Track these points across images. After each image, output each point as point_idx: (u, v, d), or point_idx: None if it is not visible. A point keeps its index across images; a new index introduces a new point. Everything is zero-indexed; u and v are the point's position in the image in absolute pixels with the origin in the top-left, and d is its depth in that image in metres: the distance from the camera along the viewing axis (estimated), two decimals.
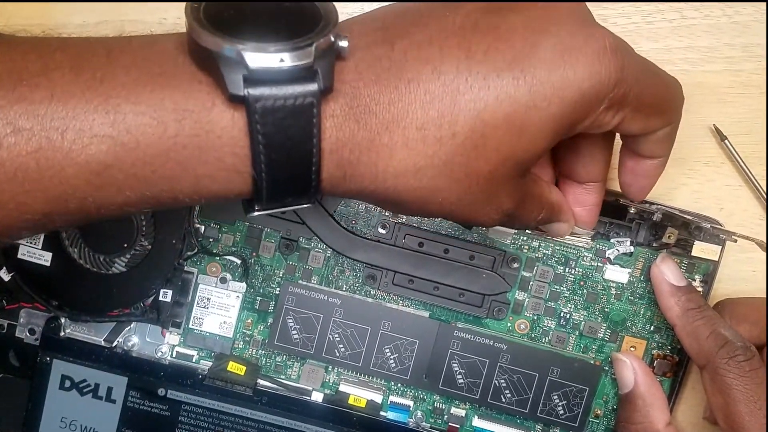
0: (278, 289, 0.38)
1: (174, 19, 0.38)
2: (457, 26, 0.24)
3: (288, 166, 0.23)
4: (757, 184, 0.37)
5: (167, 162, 0.22)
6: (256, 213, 0.24)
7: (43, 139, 0.21)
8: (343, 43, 0.23)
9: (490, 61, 0.24)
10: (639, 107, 0.26)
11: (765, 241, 0.33)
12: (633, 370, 0.36)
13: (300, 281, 0.38)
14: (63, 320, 0.38)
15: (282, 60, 0.22)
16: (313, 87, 0.22)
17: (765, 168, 0.38)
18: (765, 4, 0.37)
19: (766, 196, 0.37)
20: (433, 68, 0.24)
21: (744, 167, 0.37)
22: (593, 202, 0.32)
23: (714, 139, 0.38)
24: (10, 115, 0.21)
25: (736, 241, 0.34)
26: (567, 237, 0.37)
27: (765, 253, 0.37)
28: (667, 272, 0.35)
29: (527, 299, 0.38)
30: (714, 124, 0.38)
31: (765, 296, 0.36)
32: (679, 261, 0.37)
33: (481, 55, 0.24)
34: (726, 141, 0.37)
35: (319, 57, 0.22)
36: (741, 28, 0.37)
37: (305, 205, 0.25)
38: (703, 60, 0.38)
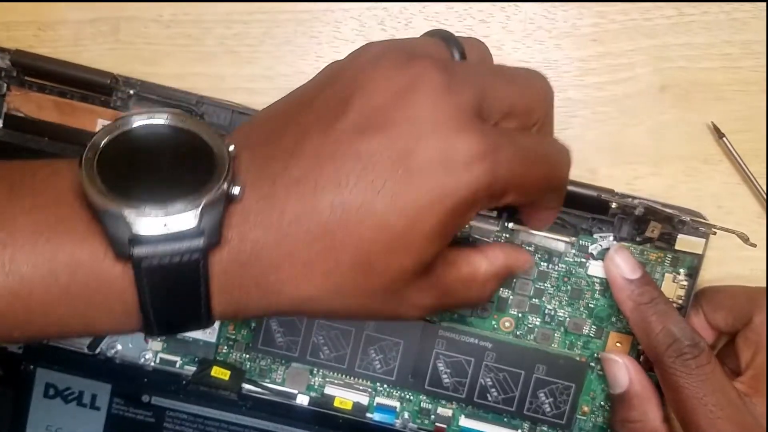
0: None
1: (169, 15, 0.38)
2: (328, 155, 0.24)
3: (177, 311, 0.24)
4: (755, 182, 0.37)
5: (58, 308, 0.23)
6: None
7: None
8: (235, 191, 0.24)
9: (361, 191, 0.24)
10: (523, 192, 0.26)
11: (746, 234, 0.33)
12: (627, 369, 0.36)
13: None
14: None
15: (165, 225, 0.22)
16: (198, 243, 0.23)
17: (764, 166, 0.37)
18: (765, 2, 0.37)
19: (765, 194, 0.37)
20: (312, 207, 0.24)
21: (742, 165, 0.37)
22: (552, 215, 0.32)
23: (712, 137, 0.38)
24: None
25: (715, 233, 0.34)
26: (551, 235, 0.37)
27: (765, 253, 0.37)
28: (621, 264, 0.35)
29: (511, 297, 0.38)
30: (712, 122, 0.37)
31: (745, 285, 0.36)
32: (663, 255, 0.37)
33: (352, 184, 0.24)
34: (724, 138, 0.37)
35: (208, 210, 0.23)
36: (739, 25, 0.37)
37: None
38: (701, 57, 0.37)
